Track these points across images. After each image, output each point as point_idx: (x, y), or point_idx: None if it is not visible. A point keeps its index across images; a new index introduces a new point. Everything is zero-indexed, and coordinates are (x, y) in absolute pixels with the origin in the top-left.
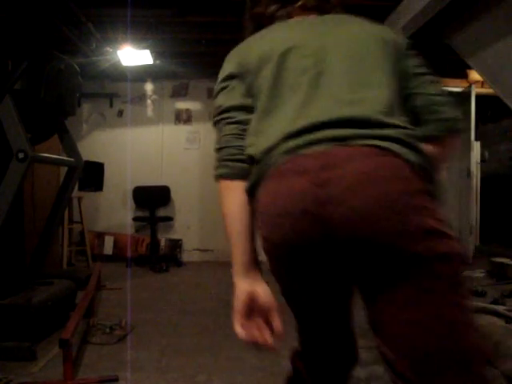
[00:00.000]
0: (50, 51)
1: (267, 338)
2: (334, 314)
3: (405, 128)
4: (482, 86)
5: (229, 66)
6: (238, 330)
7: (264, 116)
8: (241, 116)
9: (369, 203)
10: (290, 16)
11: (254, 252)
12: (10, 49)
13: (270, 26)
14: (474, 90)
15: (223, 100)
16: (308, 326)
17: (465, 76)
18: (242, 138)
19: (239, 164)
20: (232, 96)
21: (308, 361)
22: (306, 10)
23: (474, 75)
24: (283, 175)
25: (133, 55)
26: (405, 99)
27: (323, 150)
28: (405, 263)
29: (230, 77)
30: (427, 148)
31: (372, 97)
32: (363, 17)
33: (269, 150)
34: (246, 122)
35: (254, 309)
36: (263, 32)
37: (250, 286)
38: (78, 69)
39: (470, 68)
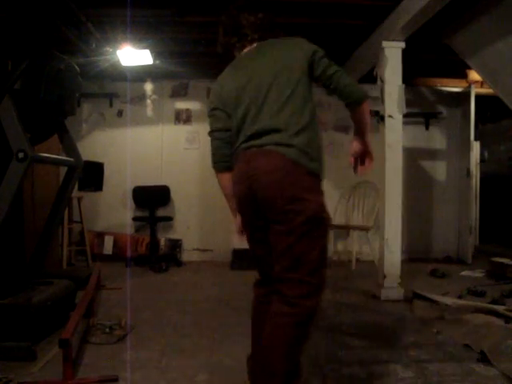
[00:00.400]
0: (49, 51)
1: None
2: (266, 250)
3: (297, 132)
4: (482, 86)
5: (212, 102)
6: (236, 238)
7: (236, 134)
8: (221, 135)
9: (264, 180)
10: (244, 46)
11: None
12: (10, 49)
13: (232, 62)
14: (474, 90)
15: (211, 124)
16: (256, 258)
17: (464, 76)
18: (222, 148)
19: (221, 164)
20: (217, 121)
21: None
22: (253, 41)
23: (474, 75)
24: (238, 161)
25: (132, 55)
26: (332, 92)
27: (252, 150)
28: (281, 214)
29: (214, 109)
30: (353, 115)
31: (276, 116)
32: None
33: (237, 148)
34: (224, 138)
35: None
36: (227, 70)
37: (238, 220)
38: (77, 69)
39: (469, 68)
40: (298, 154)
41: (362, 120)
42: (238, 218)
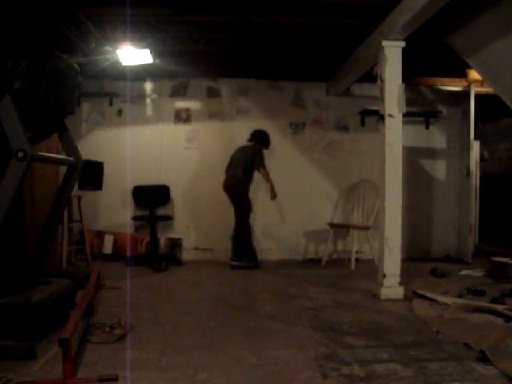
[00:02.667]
0: (49, 50)
1: None
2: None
3: (240, 175)
4: (482, 86)
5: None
6: None
7: (230, 167)
8: (227, 165)
9: (228, 186)
10: (249, 140)
11: None
12: (10, 48)
13: (242, 145)
14: (474, 90)
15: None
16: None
17: (464, 75)
18: (227, 168)
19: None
20: (229, 160)
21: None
22: (250, 141)
23: (474, 74)
24: (227, 176)
25: (132, 54)
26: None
27: (228, 174)
28: (235, 198)
29: (231, 155)
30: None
31: (238, 170)
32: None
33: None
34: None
35: None
36: (237, 148)
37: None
38: (77, 68)
39: (469, 67)
40: (239, 181)
41: (264, 178)
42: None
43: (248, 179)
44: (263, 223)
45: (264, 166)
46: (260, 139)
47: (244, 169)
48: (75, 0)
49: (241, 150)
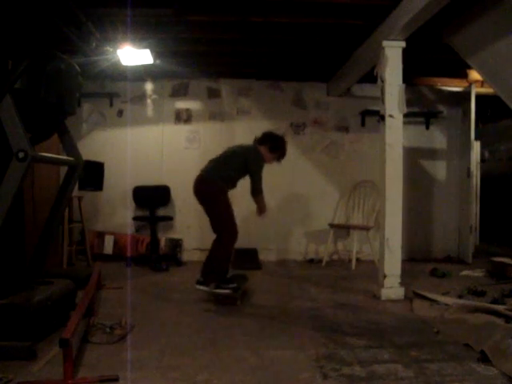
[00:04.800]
0: (50, 51)
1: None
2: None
3: (222, 173)
4: (482, 86)
5: None
6: None
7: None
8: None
9: (196, 184)
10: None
11: None
12: (11, 48)
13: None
14: (474, 90)
15: None
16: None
17: (465, 76)
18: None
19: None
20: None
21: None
22: (254, 142)
23: (474, 75)
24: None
25: (133, 55)
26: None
27: (200, 173)
28: (205, 198)
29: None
30: (253, 199)
31: (215, 166)
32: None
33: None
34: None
35: None
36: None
37: None
38: (78, 68)
39: (469, 68)
40: (207, 176)
41: (256, 202)
42: None
43: (226, 181)
44: (263, 223)
45: (260, 182)
46: (267, 141)
47: (226, 166)
48: (75, 0)
49: (233, 148)
